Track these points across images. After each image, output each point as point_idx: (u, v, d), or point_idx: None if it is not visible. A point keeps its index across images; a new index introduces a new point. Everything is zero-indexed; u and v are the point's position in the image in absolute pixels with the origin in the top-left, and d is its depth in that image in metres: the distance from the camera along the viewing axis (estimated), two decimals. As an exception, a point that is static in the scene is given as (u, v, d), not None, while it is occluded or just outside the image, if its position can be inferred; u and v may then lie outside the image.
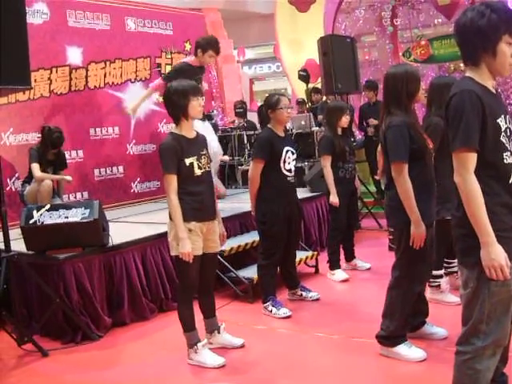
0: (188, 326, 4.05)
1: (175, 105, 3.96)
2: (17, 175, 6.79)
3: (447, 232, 4.62)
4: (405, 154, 3.66)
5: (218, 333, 4.30)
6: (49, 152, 6.34)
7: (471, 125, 2.39)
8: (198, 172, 3.95)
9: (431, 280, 4.83)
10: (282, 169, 4.93)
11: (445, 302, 4.81)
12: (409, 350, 3.83)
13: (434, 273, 4.81)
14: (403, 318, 3.85)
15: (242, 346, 4.32)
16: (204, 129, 6.15)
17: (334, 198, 5.81)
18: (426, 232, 3.69)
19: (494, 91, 2.54)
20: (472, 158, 2.40)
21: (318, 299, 5.31)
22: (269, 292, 5.04)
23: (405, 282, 3.81)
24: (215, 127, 8.61)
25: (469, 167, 2.40)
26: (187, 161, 3.91)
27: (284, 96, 5.06)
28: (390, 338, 3.87)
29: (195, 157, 3.95)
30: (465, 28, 2.50)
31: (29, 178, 6.30)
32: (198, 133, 4.17)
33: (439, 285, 4.88)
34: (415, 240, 3.67)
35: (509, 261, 2.38)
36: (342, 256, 6.18)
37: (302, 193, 6.64)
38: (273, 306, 4.96)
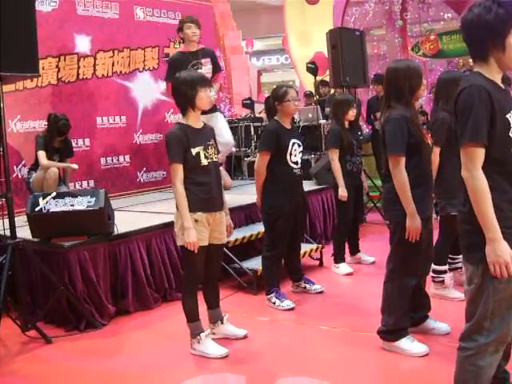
0: (192, 316, 4.05)
1: (183, 95, 3.96)
2: (23, 162, 6.81)
3: (452, 228, 4.64)
4: (402, 147, 3.68)
5: (222, 323, 4.31)
6: (55, 139, 6.34)
7: (480, 120, 2.38)
8: (204, 162, 3.95)
9: (435, 275, 4.84)
10: (289, 161, 4.92)
11: (448, 298, 4.81)
12: (411, 345, 3.83)
13: (438, 268, 4.82)
14: (401, 312, 3.84)
15: (245, 337, 4.33)
16: (215, 118, 6.18)
17: (343, 192, 5.80)
18: (421, 225, 3.70)
19: (503, 86, 2.53)
20: (480, 154, 2.40)
21: (321, 292, 5.32)
22: (273, 284, 5.04)
23: (399, 275, 3.82)
24: None
25: (476, 163, 2.39)
26: (193, 150, 3.90)
27: (291, 88, 5.04)
28: (391, 332, 3.87)
29: (202, 146, 3.94)
30: (472, 23, 2.48)
31: (35, 166, 6.31)
32: (205, 123, 4.17)
33: (443, 280, 4.87)
34: (411, 233, 3.68)
35: None
36: (346, 250, 6.19)
37: (308, 185, 6.63)
38: (276, 298, 4.97)
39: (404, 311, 3.87)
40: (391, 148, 3.72)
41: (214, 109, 6.10)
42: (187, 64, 6.23)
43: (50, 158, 6.23)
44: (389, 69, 3.90)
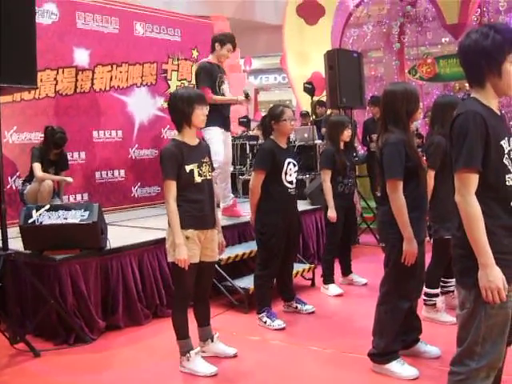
0: (181, 333, 4.03)
1: (179, 111, 3.97)
2: (18, 174, 6.79)
3: (445, 251, 4.64)
4: (400, 171, 3.69)
5: (212, 341, 4.28)
6: (51, 152, 6.33)
7: (474, 146, 2.39)
8: (198, 179, 3.95)
9: (426, 298, 4.83)
10: (284, 180, 4.93)
11: (440, 322, 4.80)
12: (401, 368, 3.81)
13: (430, 291, 4.81)
14: (393, 335, 3.84)
15: (235, 356, 4.31)
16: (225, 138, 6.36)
17: (332, 213, 5.81)
18: (417, 249, 3.71)
19: (498, 113, 2.54)
20: (474, 179, 2.41)
21: (313, 312, 5.30)
22: (264, 303, 5.02)
23: (392, 298, 3.82)
24: None
25: (470, 188, 2.40)
26: (187, 168, 3.90)
27: (288, 108, 5.06)
28: (381, 355, 3.86)
29: (196, 164, 3.95)
30: (469, 49, 2.51)
31: (29, 178, 6.29)
32: (200, 140, 4.17)
33: (435, 303, 4.87)
34: (407, 257, 3.68)
35: (507, 283, 2.38)
36: (338, 270, 6.18)
37: (302, 205, 6.64)
38: (267, 317, 4.95)
39: (396, 334, 3.86)
40: (389, 172, 3.72)
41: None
42: (216, 74, 6.45)
43: (45, 170, 6.22)
44: (386, 91, 3.92)
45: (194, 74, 6.51)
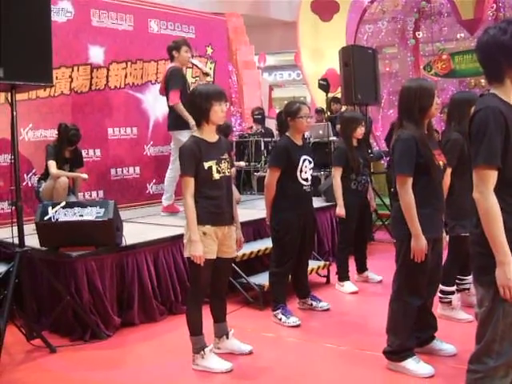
0: (195, 329, 4.03)
1: (197, 108, 3.97)
2: (33, 171, 6.84)
3: (461, 249, 4.62)
4: (409, 167, 3.67)
5: (227, 338, 4.29)
6: (65, 149, 6.35)
7: (494, 142, 2.37)
8: (216, 176, 3.94)
9: (442, 296, 4.80)
10: (299, 177, 4.92)
11: (455, 319, 4.77)
12: (417, 365, 3.80)
13: (446, 289, 4.79)
14: (407, 332, 3.82)
15: (250, 353, 4.31)
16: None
17: (341, 210, 5.79)
18: (427, 246, 3.68)
19: None
20: (493, 176, 2.39)
21: (327, 309, 5.29)
22: (279, 300, 5.02)
23: (403, 295, 3.80)
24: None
25: (489, 184, 2.38)
26: (206, 164, 3.90)
27: (305, 105, 5.03)
28: (396, 352, 3.84)
29: (215, 161, 3.94)
30: (488, 45, 2.49)
31: (45, 175, 6.32)
32: (220, 137, 4.17)
33: (450, 301, 4.84)
34: (415, 254, 3.67)
35: None
36: (353, 267, 6.16)
37: (316, 202, 6.62)
38: (282, 315, 4.94)
39: (409, 331, 3.84)
40: (399, 168, 3.72)
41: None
42: (185, 78, 6.76)
43: (60, 167, 6.23)
44: (402, 88, 3.90)
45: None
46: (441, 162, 3.83)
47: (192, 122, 6.42)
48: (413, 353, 3.86)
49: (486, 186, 2.39)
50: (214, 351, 4.11)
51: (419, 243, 3.65)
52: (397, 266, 3.88)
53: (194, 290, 4.09)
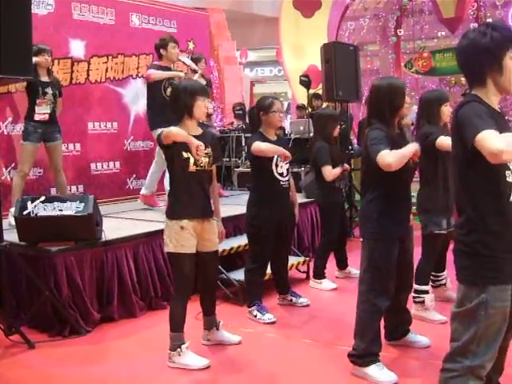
0: (176, 326, 4.03)
1: (181, 102, 3.96)
2: (13, 165, 6.77)
3: (435, 246, 4.63)
4: (384, 145, 3.44)
5: (217, 329, 4.33)
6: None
7: (485, 119, 2.33)
8: (192, 168, 3.93)
9: (415, 295, 4.74)
10: (274, 172, 4.89)
11: (429, 320, 4.71)
12: (380, 372, 3.71)
13: (420, 288, 4.75)
14: (373, 335, 3.76)
15: (240, 343, 4.39)
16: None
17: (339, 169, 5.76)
18: (394, 248, 3.69)
19: (498, 110, 2.54)
20: (495, 133, 2.27)
21: (307, 305, 5.32)
22: (254, 296, 5.03)
23: (370, 297, 3.75)
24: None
25: (494, 141, 2.23)
26: (185, 154, 3.89)
27: (277, 99, 4.98)
28: (361, 356, 3.76)
29: None
30: (468, 48, 2.51)
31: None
32: (205, 130, 4.15)
33: (423, 300, 4.75)
34: (415, 152, 3.54)
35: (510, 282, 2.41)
36: (333, 264, 6.19)
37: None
38: (258, 311, 4.95)
39: (375, 335, 3.78)
40: (374, 149, 3.48)
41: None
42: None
43: (42, 93, 6.14)
44: (372, 87, 3.83)
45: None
46: (410, 161, 3.63)
47: (176, 73, 6.63)
48: (377, 359, 3.77)
49: (492, 139, 2.24)
50: (189, 349, 4.09)
51: (411, 149, 3.51)
52: (362, 267, 3.83)
53: (177, 285, 4.10)
